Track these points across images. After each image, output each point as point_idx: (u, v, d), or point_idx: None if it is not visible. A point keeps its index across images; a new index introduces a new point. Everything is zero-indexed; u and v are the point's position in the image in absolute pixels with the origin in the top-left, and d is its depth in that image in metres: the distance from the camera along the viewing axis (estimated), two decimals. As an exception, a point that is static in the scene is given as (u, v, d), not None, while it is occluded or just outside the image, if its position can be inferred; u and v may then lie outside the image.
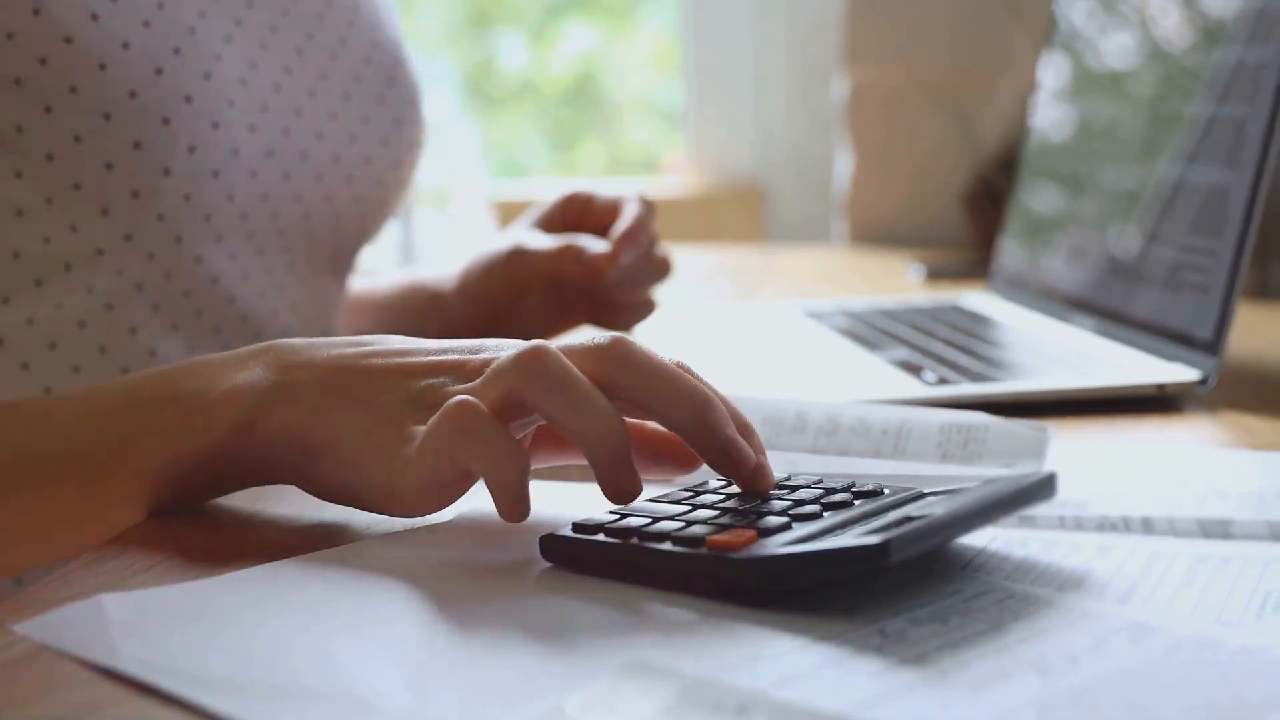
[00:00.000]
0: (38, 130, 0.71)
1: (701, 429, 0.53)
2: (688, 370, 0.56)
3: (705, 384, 0.55)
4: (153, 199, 0.74)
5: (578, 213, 0.95)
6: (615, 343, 0.54)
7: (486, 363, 0.56)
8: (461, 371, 0.56)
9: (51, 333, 0.74)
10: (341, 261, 0.90)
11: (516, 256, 0.91)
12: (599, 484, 0.53)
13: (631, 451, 0.53)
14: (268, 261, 0.82)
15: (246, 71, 0.79)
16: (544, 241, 0.91)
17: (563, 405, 0.52)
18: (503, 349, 0.57)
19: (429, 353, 0.58)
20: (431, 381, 0.56)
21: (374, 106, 0.88)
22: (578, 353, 0.54)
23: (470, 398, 0.53)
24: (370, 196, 0.88)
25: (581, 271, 0.88)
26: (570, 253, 0.89)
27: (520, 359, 0.53)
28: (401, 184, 0.91)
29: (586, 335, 0.56)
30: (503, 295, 0.92)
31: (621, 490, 0.53)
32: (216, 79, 0.77)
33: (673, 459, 0.58)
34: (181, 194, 0.75)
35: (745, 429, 0.56)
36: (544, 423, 0.57)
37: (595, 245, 0.88)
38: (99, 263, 0.74)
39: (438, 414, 0.53)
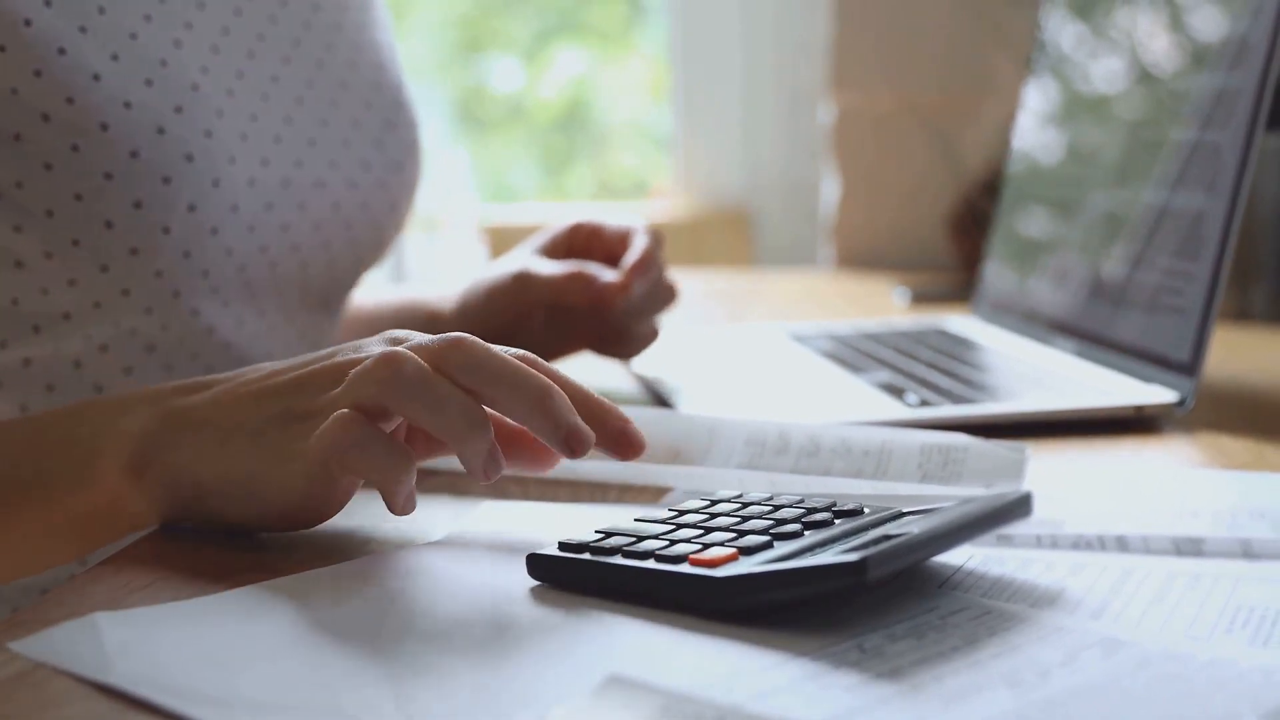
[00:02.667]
0: (38, 186, 0.71)
1: (542, 419, 0.55)
2: (531, 363, 0.57)
3: (547, 374, 0.57)
4: (152, 257, 0.74)
5: (585, 241, 0.95)
6: (454, 342, 0.56)
7: (343, 366, 0.57)
8: (319, 380, 0.58)
9: (48, 374, 0.75)
10: (335, 298, 0.91)
11: (522, 280, 0.91)
12: (466, 470, 0.55)
13: (492, 434, 0.55)
14: (260, 305, 0.83)
15: (247, 125, 0.79)
16: (551, 267, 0.91)
17: (421, 407, 0.54)
18: (359, 350, 0.59)
19: (291, 368, 0.59)
20: (297, 397, 0.58)
21: (373, 151, 0.88)
22: (423, 352, 0.56)
23: (347, 411, 0.54)
24: (367, 239, 0.89)
25: (590, 299, 0.89)
26: (579, 280, 0.89)
27: (375, 368, 0.55)
28: (398, 224, 0.92)
29: (424, 336, 0.57)
30: (505, 318, 0.92)
31: (487, 472, 0.55)
32: (218, 136, 0.77)
33: (524, 456, 0.60)
34: (181, 251, 0.75)
35: (599, 411, 0.57)
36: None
37: (604, 274, 0.89)
38: (96, 314, 0.75)
39: (320, 430, 0.55)
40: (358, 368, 0.56)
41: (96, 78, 0.71)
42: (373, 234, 0.89)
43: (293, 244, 0.83)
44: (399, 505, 0.55)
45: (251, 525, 0.58)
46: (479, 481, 0.55)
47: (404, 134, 0.90)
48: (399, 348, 0.56)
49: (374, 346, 0.59)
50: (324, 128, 0.85)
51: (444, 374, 0.55)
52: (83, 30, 0.71)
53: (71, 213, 0.72)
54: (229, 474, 0.58)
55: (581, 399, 0.57)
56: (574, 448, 0.55)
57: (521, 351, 0.58)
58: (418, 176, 0.92)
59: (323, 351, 0.60)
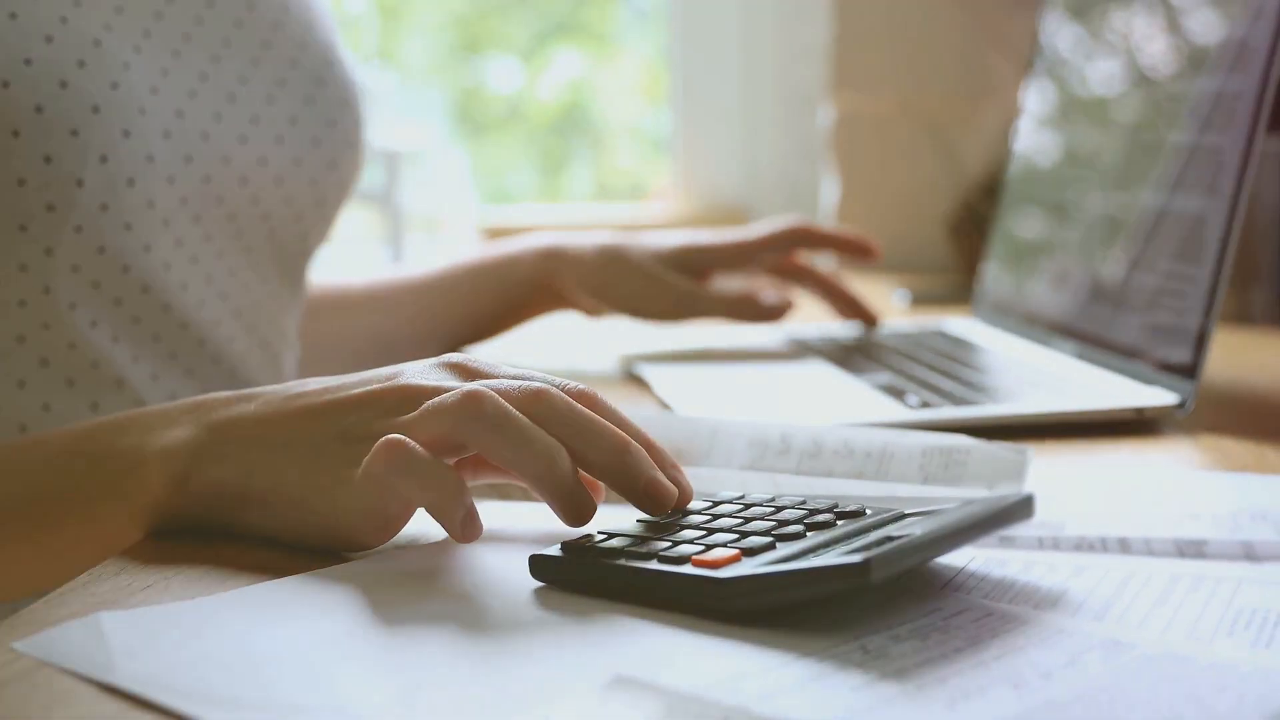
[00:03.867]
0: None
1: (622, 472, 0.56)
2: (599, 404, 0.58)
3: (622, 423, 0.59)
4: (69, 211, 0.74)
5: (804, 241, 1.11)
6: (537, 393, 0.56)
7: (409, 391, 0.58)
8: (383, 401, 0.58)
9: None
10: (290, 265, 0.91)
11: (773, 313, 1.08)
12: (554, 512, 0.56)
13: (578, 475, 0.56)
14: (207, 269, 0.83)
15: (158, 80, 0.79)
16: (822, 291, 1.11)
17: (504, 445, 0.55)
18: (424, 376, 0.59)
19: (349, 387, 0.59)
20: (358, 416, 0.58)
21: (302, 107, 0.88)
22: (508, 395, 0.56)
23: (398, 436, 0.54)
24: (305, 196, 0.89)
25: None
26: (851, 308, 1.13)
27: (459, 405, 0.55)
28: (342, 184, 0.92)
29: (510, 380, 0.58)
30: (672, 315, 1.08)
31: (577, 516, 0.56)
32: (125, 88, 0.77)
33: None
34: (98, 204, 0.75)
35: (663, 462, 0.58)
36: None
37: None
38: (24, 279, 0.74)
39: (370, 453, 0.55)
40: (436, 401, 0.56)
41: None
42: (312, 191, 0.89)
43: (217, 196, 0.83)
44: (457, 530, 0.55)
45: (298, 542, 0.58)
46: (568, 525, 0.56)
47: (336, 90, 0.91)
48: (478, 386, 0.56)
49: (439, 374, 0.59)
50: (244, 84, 0.85)
51: (530, 414, 0.56)
52: None
53: None
54: (280, 489, 0.58)
55: (656, 454, 0.58)
56: (655, 500, 0.56)
57: (593, 398, 0.59)
58: (358, 132, 0.93)
59: (382, 371, 0.60)
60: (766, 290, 1.07)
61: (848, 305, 1.13)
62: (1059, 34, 1.16)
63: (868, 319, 1.13)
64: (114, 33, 0.77)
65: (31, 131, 0.72)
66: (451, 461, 0.57)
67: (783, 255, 1.11)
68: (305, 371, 1.00)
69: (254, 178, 0.85)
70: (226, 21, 0.85)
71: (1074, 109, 1.13)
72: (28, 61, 0.72)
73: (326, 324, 1.08)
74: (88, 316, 0.77)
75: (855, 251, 1.12)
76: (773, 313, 1.06)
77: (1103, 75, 1.08)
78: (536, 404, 0.56)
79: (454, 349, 1.10)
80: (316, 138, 0.89)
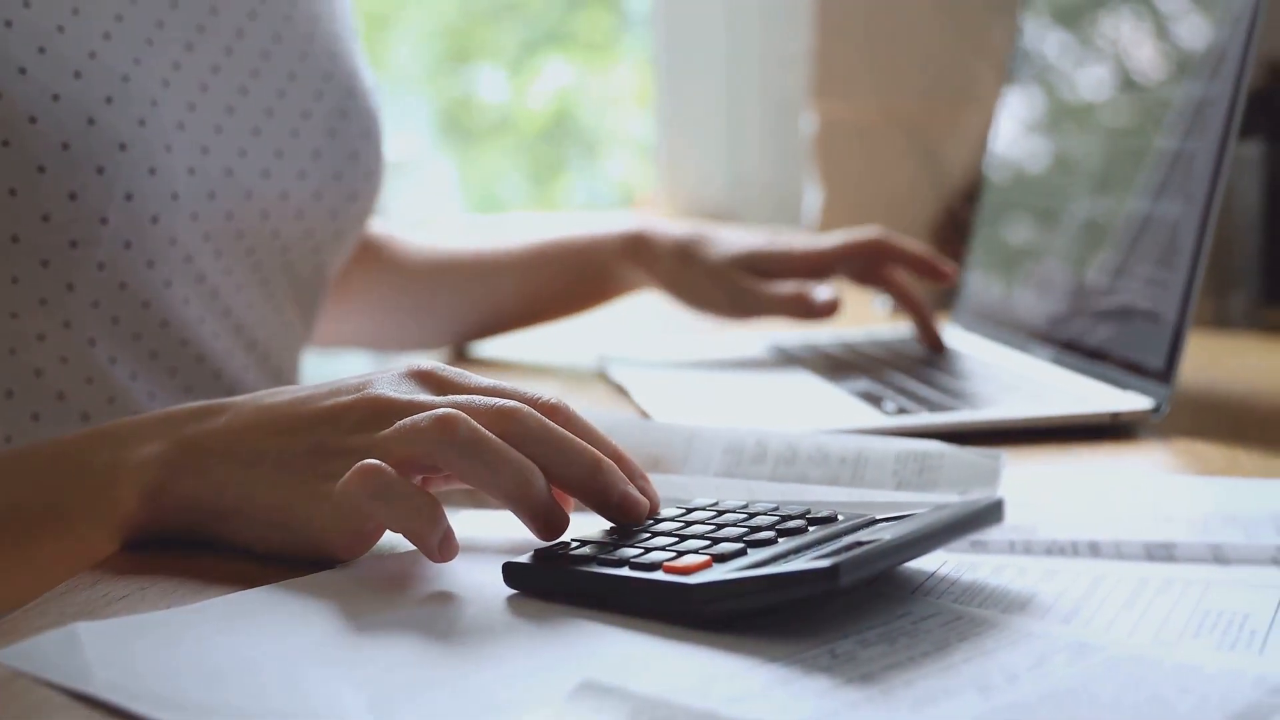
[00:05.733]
0: None
1: (594, 489, 0.57)
2: (572, 419, 0.59)
3: (593, 437, 0.59)
4: (92, 248, 0.74)
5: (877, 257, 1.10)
6: (510, 412, 0.57)
7: (379, 405, 0.58)
8: (354, 414, 0.58)
9: (8, 379, 0.75)
10: (304, 295, 0.91)
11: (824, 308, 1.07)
12: (528, 528, 0.56)
13: (552, 493, 0.56)
14: (225, 303, 0.83)
15: (185, 115, 0.79)
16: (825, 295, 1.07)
17: (478, 468, 0.55)
18: (396, 387, 0.59)
19: (318, 399, 0.59)
20: (330, 430, 0.58)
21: (325, 140, 0.88)
22: (480, 414, 0.56)
23: (374, 461, 0.54)
24: (324, 229, 0.89)
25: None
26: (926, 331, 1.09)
27: (433, 428, 0.55)
28: (359, 216, 0.92)
29: (481, 397, 0.58)
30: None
31: (551, 531, 0.56)
32: (152, 125, 0.76)
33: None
34: (121, 242, 0.75)
35: (632, 473, 0.59)
36: None
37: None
38: (43, 312, 0.74)
39: (346, 477, 0.55)
40: (410, 421, 0.56)
41: (23, 71, 0.71)
42: (332, 224, 0.89)
43: (238, 231, 0.83)
44: (434, 554, 0.55)
45: (273, 553, 0.58)
46: (542, 539, 0.56)
47: (359, 122, 0.90)
48: (450, 408, 0.56)
49: (410, 386, 0.59)
50: (269, 118, 0.85)
51: (501, 434, 0.56)
52: (8, 24, 0.71)
53: (8, 209, 0.71)
54: (252, 504, 0.58)
55: (626, 465, 0.59)
56: (628, 513, 0.57)
57: (565, 412, 0.59)
58: (379, 165, 0.92)
59: (350, 381, 0.60)
60: (818, 289, 1.08)
61: (923, 324, 1.09)
62: (1040, 39, 1.16)
63: (935, 344, 1.08)
64: (143, 67, 0.77)
65: (57, 168, 0.72)
66: (419, 479, 0.58)
67: (862, 267, 1.09)
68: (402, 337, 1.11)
69: (275, 212, 0.85)
70: (254, 53, 0.84)
71: (1054, 115, 1.13)
72: (55, 97, 0.72)
73: (448, 292, 1.13)
74: (106, 352, 0.77)
75: (930, 272, 1.09)
76: (824, 310, 1.07)
77: (1083, 81, 1.09)
78: (509, 423, 0.56)
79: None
80: (338, 171, 0.89)
